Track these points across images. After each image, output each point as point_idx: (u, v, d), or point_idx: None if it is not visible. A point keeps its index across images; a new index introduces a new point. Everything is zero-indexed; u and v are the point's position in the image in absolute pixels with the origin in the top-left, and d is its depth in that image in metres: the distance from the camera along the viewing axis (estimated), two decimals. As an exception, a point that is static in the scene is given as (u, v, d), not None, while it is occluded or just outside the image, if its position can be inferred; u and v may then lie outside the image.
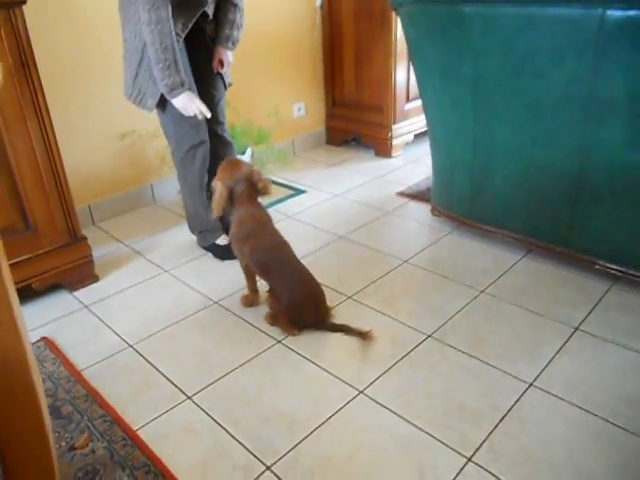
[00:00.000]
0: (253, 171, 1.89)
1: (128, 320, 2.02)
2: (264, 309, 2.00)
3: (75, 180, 2.63)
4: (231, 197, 1.87)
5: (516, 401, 1.58)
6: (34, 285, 2.09)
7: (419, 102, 3.52)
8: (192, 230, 2.45)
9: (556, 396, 1.59)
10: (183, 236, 2.61)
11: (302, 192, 3.08)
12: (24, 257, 2.03)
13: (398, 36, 3.23)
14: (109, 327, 1.98)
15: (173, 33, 1.89)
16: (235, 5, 2.13)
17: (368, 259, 2.37)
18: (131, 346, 1.88)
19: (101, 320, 2.03)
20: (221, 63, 2.23)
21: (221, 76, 2.26)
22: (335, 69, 3.62)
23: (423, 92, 2.39)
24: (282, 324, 1.86)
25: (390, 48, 3.25)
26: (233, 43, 2.20)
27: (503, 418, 1.52)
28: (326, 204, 2.93)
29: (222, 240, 2.41)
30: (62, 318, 2.05)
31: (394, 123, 3.46)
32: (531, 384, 1.64)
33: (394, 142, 3.51)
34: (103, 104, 2.67)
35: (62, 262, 2.14)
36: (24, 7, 1.80)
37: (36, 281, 2.09)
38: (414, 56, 2.31)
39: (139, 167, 2.91)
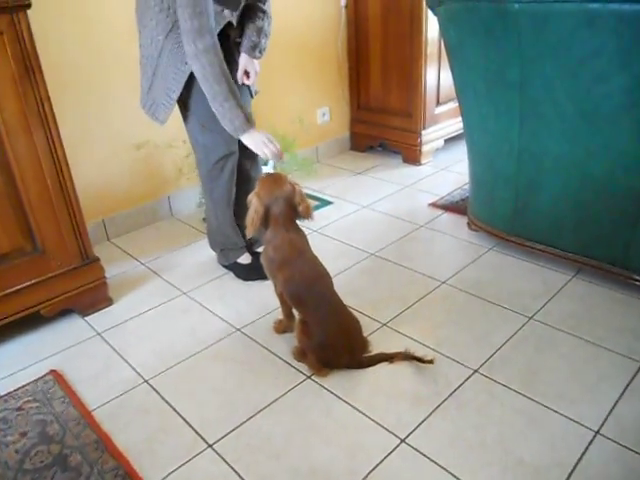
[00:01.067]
0: (295, 190, 1.69)
1: (143, 350, 1.85)
2: (293, 339, 1.82)
3: (88, 193, 2.49)
4: (267, 216, 1.68)
5: (582, 454, 1.38)
6: (43, 311, 1.93)
7: (450, 105, 3.36)
8: (213, 247, 2.28)
9: (627, 448, 1.38)
10: (202, 253, 2.45)
11: (328, 203, 2.89)
12: (32, 281, 1.88)
13: (429, 36, 3.04)
14: (123, 358, 1.82)
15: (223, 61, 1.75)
16: (264, 12, 1.95)
17: (402, 280, 2.17)
18: (146, 381, 1.71)
19: (114, 350, 1.87)
20: (247, 74, 2.04)
21: (247, 85, 2.08)
22: (360, 72, 3.43)
23: (462, 97, 2.19)
24: (310, 363, 1.67)
25: (420, 49, 3.05)
26: (260, 52, 2.01)
27: (569, 478, 1.32)
28: (354, 217, 2.74)
29: (245, 259, 2.23)
30: (72, 347, 1.89)
31: (424, 128, 3.26)
32: (597, 432, 1.44)
33: (423, 148, 3.32)
34: (117, 112, 2.52)
35: (73, 286, 1.98)
36: (31, 10, 1.64)
37: (45, 307, 1.94)
38: (453, 58, 2.11)
39: (155, 179, 2.75)
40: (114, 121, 2.52)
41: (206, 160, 2.01)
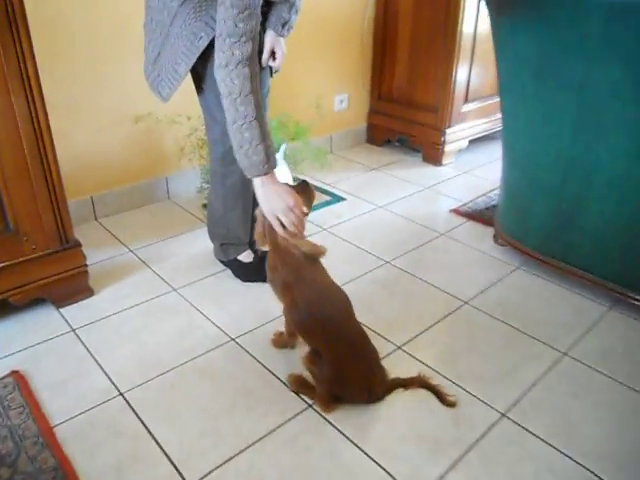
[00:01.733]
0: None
1: (122, 355, 1.61)
2: (295, 357, 1.58)
3: (76, 166, 2.24)
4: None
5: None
6: (12, 299, 1.69)
7: (477, 104, 3.10)
8: (212, 238, 2.02)
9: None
10: (199, 244, 2.20)
11: (340, 199, 2.64)
12: (1, 265, 1.63)
13: (464, 29, 2.77)
14: (97, 362, 1.58)
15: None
16: None
17: (421, 295, 1.94)
18: (122, 394, 1.47)
19: (89, 351, 1.63)
20: (273, 55, 1.77)
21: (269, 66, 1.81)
22: (386, 59, 3.16)
23: (506, 96, 1.94)
24: (319, 397, 1.42)
25: (454, 41, 2.79)
26: (289, 30, 1.75)
27: None
28: (368, 217, 2.49)
29: (246, 257, 1.99)
30: (41, 345, 1.65)
31: (449, 126, 3.01)
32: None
33: (447, 148, 3.06)
34: (117, 79, 2.25)
35: (49, 272, 1.73)
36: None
37: (15, 294, 1.69)
38: (502, 50, 1.86)
39: (154, 156, 2.49)
40: (113, 88, 2.26)
41: (222, 140, 1.74)
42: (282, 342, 1.65)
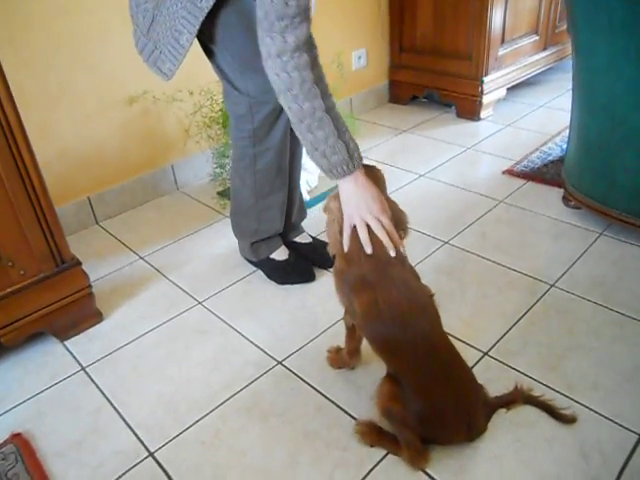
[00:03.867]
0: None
1: (146, 399, 1.29)
2: (366, 377, 1.26)
3: (66, 163, 1.90)
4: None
5: None
6: (4, 340, 1.37)
7: (514, 45, 2.70)
8: (240, 236, 1.68)
9: None
10: (219, 242, 1.86)
11: (374, 171, 2.28)
12: (-17, 300, 1.31)
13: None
14: (117, 411, 1.27)
15: None
16: None
17: (496, 282, 1.60)
18: (151, 454, 1.16)
19: (105, 396, 1.31)
20: None
21: None
22: (405, 2, 2.74)
23: (581, 28, 1.56)
24: (407, 445, 1.06)
25: (488, -29, 2.38)
26: None
27: None
28: (411, 189, 2.14)
29: (281, 254, 1.65)
30: (47, 392, 1.34)
31: (486, 74, 2.61)
32: None
33: (485, 99, 2.67)
34: (102, 54, 1.88)
35: (45, 301, 1.41)
36: None
37: (7, 333, 1.37)
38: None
39: (155, 142, 2.13)
40: (98, 66, 1.89)
41: (250, 114, 1.39)
42: (340, 361, 1.32)
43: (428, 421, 1.04)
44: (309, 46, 1.10)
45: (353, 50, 2.74)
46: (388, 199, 1.16)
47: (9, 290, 1.34)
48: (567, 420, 1.15)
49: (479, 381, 1.12)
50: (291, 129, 1.44)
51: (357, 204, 1.11)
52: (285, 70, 1.07)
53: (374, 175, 1.17)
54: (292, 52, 1.06)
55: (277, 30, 1.04)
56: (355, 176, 1.14)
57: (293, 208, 1.68)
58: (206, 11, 1.19)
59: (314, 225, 1.86)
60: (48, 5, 1.72)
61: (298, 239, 1.73)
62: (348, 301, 1.12)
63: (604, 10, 1.44)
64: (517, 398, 1.18)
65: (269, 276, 1.66)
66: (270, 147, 1.44)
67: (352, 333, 1.23)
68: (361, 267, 1.06)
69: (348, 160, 1.14)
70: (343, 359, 1.31)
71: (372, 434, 1.12)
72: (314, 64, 1.14)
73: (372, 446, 1.12)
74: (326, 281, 1.64)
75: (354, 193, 1.13)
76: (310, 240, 1.75)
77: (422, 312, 1.05)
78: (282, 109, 1.33)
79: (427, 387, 1.03)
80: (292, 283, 1.62)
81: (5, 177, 1.25)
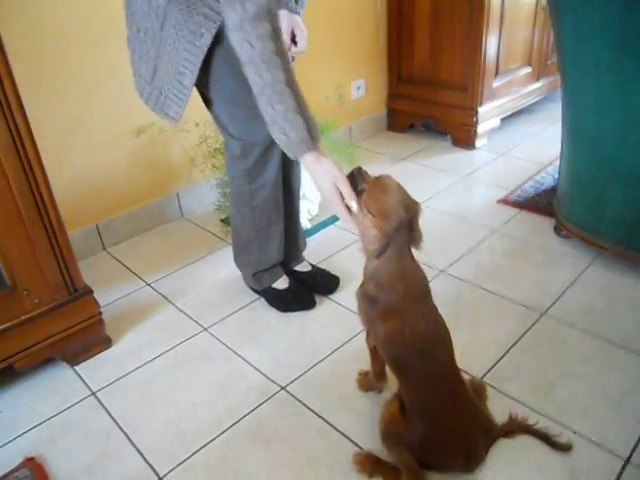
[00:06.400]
0: (417, 205, 1.12)
1: (154, 422, 1.35)
2: (363, 402, 1.32)
3: (76, 192, 1.97)
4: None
5: None
6: (17, 365, 1.42)
7: (508, 77, 2.80)
8: (241, 268, 1.75)
9: None
10: (224, 269, 1.93)
11: (372, 200, 2.36)
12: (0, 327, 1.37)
13: (493, -7, 2.46)
14: (127, 436, 1.32)
15: None
16: None
17: (489, 310, 1.66)
18: (160, 479, 1.21)
19: (115, 421, 1.36)
20: (293, 39, 1.49)
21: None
22: (403, 35, 2.85)
23: (572, 69, 1.65)
24: (408, 471, 1.11)
25: (482, 8, 2.48)
26: (303, 4, 1.47)
27: None
28: (407, 218, 2.21)
29: (282, 283, 1.71)
30: (58, 416, 1.39)
31: (480, 105, 2.71)
32: None
33: (479, 129, 2.76)
34: (112, 87, 1.96)
35: (58, 328, 1.47)
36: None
37: (20, 359, 1.43)
38: (567, 14, 1.56)
39: (161, 171, 2.21)
40: (108, 99, 1.97)
41: (244, 156, 1.46)
42: (368, 384, 1.38)
43: (428, 445, 1.10)
44: (272, 16, 1.11)
45: (353, 80, 2.83)
46: (400, 191, 1.10)
47: (23, 318, 1.40)
48: (562, 448, 1.20)
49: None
50: (284, 163, 1.53)
51: (322, 178, 1.16)
52: (247, 40, 1.10)
53: (382, 183, 1.10)
54: (252, 21, 1.08)
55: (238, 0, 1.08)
56: (315, 155, 1.17)
57: (295, 239, 1.75)
58: (205, 49, 1.25)
59: (316, 252, 1.93)
60: (62, 40, 1.80)
61: (298, 268, 1.79)
62: (370, 324, 1.17)
63: (591, 53, 1.53)
64: (515, 428, 1.24)
65: (271, 304, 1.72)
66: (266, 183, 1.51)
67: (375, 355, 1.27)
68: (393, 295, 1.10)
69: (307, 138, 1.16)
70: (371, 382, 1.37)
71: (371, 464, 1.17)
72: (276, 35, 1.13)
73: (371, 477, 1.16)
74: (327, 309, 1.71)
75: (320, 170, 1.16)
76: (310, 268, 1.81)
77: (441, 344, 1.11)
78: (274, 146, 1.41)
79: (432, 412, 1.09)
80: (293, 311, 1.68)
81: (23, 210, 1.32)
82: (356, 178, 1.13)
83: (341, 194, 1.14)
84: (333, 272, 1.80)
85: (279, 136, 1.18)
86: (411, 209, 1.08)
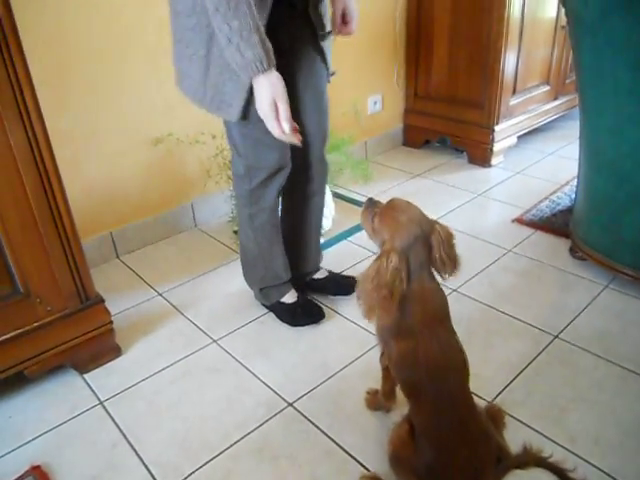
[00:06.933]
0: (436, 226, 1.09)
1: (161, 436, 1.34)
2: (370, 422, 1.31)
3: (92, 200, 1.99)
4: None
5: None
6: (28, 371, 1.43)
7: (526, 95, 2.79)
8: (250, 284, 1.75)
9: None
10: (235, 281, 1.92)
11: (386, 215, 2.35)
12: (11, 334, 1.38)
13: (513, 11, 2.46)
14: (133, 448, 1.32)
15: None
16: None
17: (501, 331, 1.64)
18: (166, 492, 1.20)
19: (121, 432, 1.36)
20: (343, 17, 1.46)
21: (325, 63, 1.50)
22: (421, 52, 2.85)
23: (591, 91, 1.64)
24: None
25: (501, 26, 2.48)
26: None
27: None
28: (421, 234, 2.20)
29: (290, 297, 1.71)
30: (66, 424, 1.39)
31: (497, 123, 2.70)
32: None
33: (495, 147, 2.75)
34: (131, 97, 1.99)
35: (68, 336, 1.48)
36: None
37: (31, 365, 1.43)
38: (587, 37, 1.55)
39: (176, 182, 2.22)
40: (127, 108, 1.99)
41: (248, 176, 1.47)
42: (376, 403, 1.37)
43: (435, 474, 1.07)
44: None
45: (369, 96, 2.83)
46: (411, 209, 1.09)
47: (35, 325, 1.41)
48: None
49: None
50: (292, 189, 1.54)
51: (268, 99, 1.18)
52: None
53: (393, 204, 1.10)
54: None
55: None
56: (269, 76, 1.17)
57: (305, 263, 1.76)
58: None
59: (329, 267, 1.92)
60: (81, 51, 1.82)
61: (315, 276, 1.79)
62: (385, 343, 1.16)
63: (610, 77, 1.52)
64: (529, 459, 1.20)
65: (280, 318, 1.72)
66: (264, 208, 1.52)
67: (387, 374, 1.26)
68: (409, 317, 1.07)
69: (262, 56, 1.13)
70: (379, 401, 1.35)
71: None
72: None
73: None
74: (336, 324, 1.70)
75: (268, 92, 1.18)
76: (327, 274, 1.82)
77: (455, 370, 1.09)
78: (277, 174, 1.44)
79: (442, 439, 1.06)
80: (302, 325, 1.68)
81: (39, 219, 1.33)
82: (368, 208, 1.14)
83: (277, 111, 1.20)
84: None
85: (234, 55, 1.14)
86: (425, 226, 1.07)
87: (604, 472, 1.20)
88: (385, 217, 1.08)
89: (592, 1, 1.45)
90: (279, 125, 1.21)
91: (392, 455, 1.12)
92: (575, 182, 2.04)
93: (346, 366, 1.52)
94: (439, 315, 1.10)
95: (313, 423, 1.35)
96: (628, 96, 1.51)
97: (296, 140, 1.26)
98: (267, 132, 1.24)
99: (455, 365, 1.09)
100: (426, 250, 1.07)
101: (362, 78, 2.77)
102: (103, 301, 1.52)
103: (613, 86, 1.53)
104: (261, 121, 1.24)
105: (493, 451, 1.12)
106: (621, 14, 1.40)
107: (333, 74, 1.54)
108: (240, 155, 1.45)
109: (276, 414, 1.39)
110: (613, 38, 1.45)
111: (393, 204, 1.10)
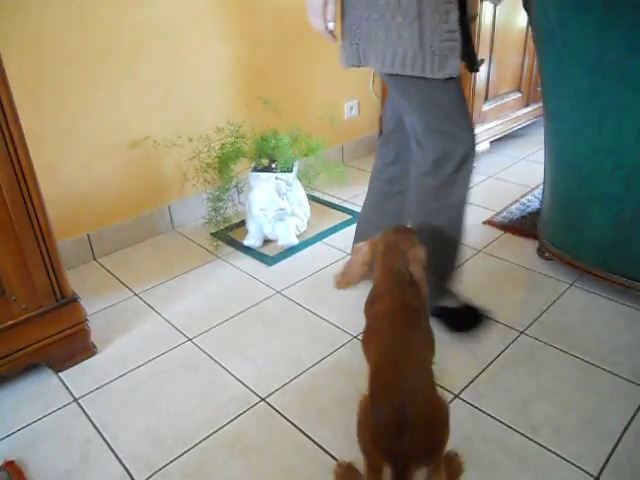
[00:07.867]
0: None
1: (135, 431, 1.37)
2: (339, 415, 1.34)
3: (69, 202, 2.00)
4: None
5: None
6: (2, 369, 1.45)
7: (497, 102, 2.86)
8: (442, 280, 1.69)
9: None
10: (211, 282, 1.96)
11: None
12: (-14, 332, 1.39)
13: (484, 20, 2.53)
14: (107, 442, 1.34)
15: None
16: None
17: (470, 328, 1.69)
18: (139, 485, 1.23)
19: (95, 427, 1.38)
20: None
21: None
22: (396, 59, 2.91)
23: (551, 95, 1.71)
24: (363, 449, 1.05)
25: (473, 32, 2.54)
26: None
27: None
28: (394, 236, 2.25)
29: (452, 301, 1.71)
30: (40, 421, 1.41)
31: (470, 128, 2.76)
32: None
33: (469, 151, 2.81)
34: (108, 101, 2.01)
35: (44, 334, 1.49)
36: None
37: (5, 363, 1.45)
38: (548, 45, 1.61)
39: (153, 184, 2.25)
40: (104, 112, 2.01)
41: (434, 172, 1.50)
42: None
43: (376, 428, 1.00)
44: None
45: (345, 101, 2.89)
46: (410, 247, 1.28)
47: (10, 323, 1.42)
48: None
49: (453, 424, 1.16)
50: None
51: None
52: None
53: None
54: None
55: None
56: None
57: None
58: None
59: (303, 268, 1.96)
60: (59, 54, 1.84)
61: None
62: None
63: (570, 83, 1.59)
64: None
65: (450, 324, 1.70)
66: (453, 204, 1.58)
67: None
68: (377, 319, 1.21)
69: None
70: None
71: (349, 476, 1.16)
72: None
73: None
74: (309, 321, 1.73)
75: None
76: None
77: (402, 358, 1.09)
78: (468, 157, 1.49)
79: (377, 397, 1.04)
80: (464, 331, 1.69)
81: (14, 217, 1.35)
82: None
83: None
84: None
85: None
86: (399, 231, 1.20)
87: (564, 459, 1.24)
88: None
89: (551, 11, 1.52)
90: (324, 22, 1.37)
91: (357, 425, 1.08)
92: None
93: (318, 362, 1.56)
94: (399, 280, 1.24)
95: (285, 417, 1.39)
96: (588, 101, 1.57)
97: (333, 38, 1.44)
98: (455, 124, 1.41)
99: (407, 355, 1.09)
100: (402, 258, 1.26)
101: (339, 84, 2.82)
102: (78, 299, 1.54)
103: (574, 92, 1.59)
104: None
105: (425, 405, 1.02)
106: (578, 23, 1.47)
107: (482, 62, 1.54)
108: (425, 151, 1.47)
109: (249, 409, 1.42)
110: (571, 46, 1.52)
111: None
